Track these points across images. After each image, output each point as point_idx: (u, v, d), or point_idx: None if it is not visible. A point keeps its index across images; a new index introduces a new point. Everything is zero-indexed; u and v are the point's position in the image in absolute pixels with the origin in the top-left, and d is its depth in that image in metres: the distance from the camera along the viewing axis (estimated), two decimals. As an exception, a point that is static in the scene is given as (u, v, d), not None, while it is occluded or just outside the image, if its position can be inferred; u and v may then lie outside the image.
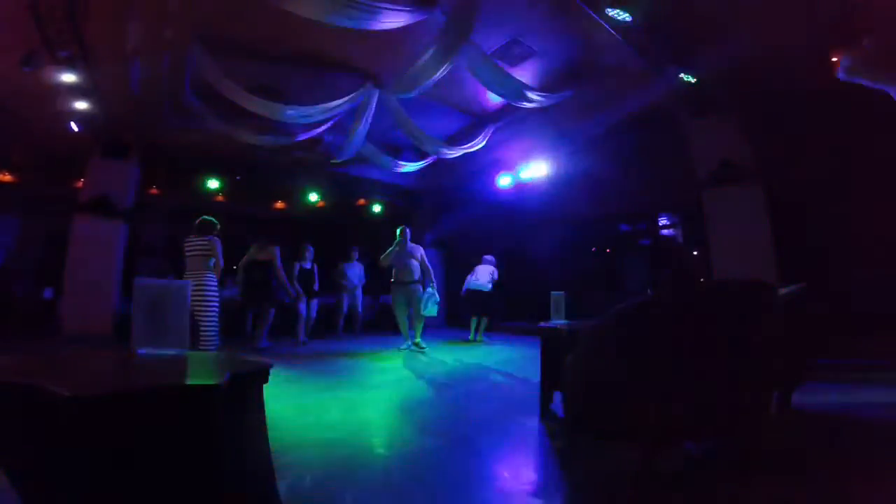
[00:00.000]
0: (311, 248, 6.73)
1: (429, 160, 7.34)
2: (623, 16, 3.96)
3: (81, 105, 5.28)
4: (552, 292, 3.40)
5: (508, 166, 8.18)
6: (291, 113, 5.32)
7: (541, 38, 4.76)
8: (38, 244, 7.77)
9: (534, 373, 3.20)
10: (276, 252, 5.89)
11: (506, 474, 2.03)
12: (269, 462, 1.41)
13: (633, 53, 4.51)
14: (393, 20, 3.84)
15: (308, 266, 6.62)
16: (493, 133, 6.68)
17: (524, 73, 5.19)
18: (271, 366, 1.40)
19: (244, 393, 1.29)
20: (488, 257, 7.27)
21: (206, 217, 4.62)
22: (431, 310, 5.79)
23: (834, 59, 3.65)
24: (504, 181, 8.36)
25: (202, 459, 1.06)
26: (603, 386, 1.87)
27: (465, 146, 6.62)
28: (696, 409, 1.75)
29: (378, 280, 7.97)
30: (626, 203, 7.70)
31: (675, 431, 1.77)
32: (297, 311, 6.39)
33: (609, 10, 3.92)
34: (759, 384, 1.92)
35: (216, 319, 4.41)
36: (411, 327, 5.91)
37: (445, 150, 6.65)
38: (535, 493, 1.78)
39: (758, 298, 1.83)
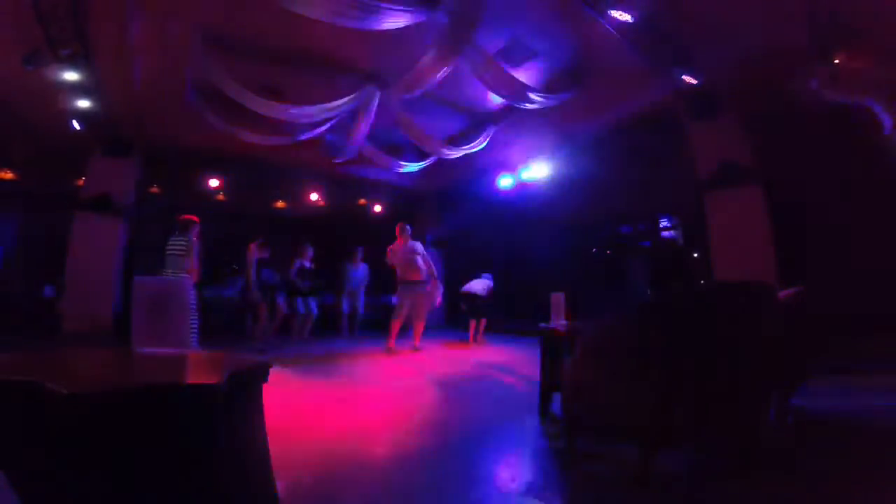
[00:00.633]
0: (311, 248, 6.74)
1: (430, 160, 7.33)
2: (625, 16, 3.96)
3: (83, 103, 5.29)
4: (552, 293, 3.39)
5: (509, 167, 8.16)
6: (293, 112, 5.33)
7: (542, 39, 4.76)
8: (38, 242, 7.76)
9: (534, 373, 3.20)
10: (250, 250, 5.85)
11: (506, 475, 2.03)
12: (268, 462, 1.40)
13: (634, 54, 4.51)
14: (395, 20, 3.83)
15: (308, 265, 6.64)
16: (494, 134, 6.68)
17: (526, 74, 5.19)
18: (271, 365, 1.40)
19: (244, 392, 1.29)
20: (486, 275, 7.28)
21: (186, 216, 4.52)
22: None
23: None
24: (505, 182, 8.34)
25: (201, 458, 1.05)
26: (602, 387, 1.87)
27: (467, 147, 6.61)
28: (695, 409, 1.75)
29: (381, 280, 7.98)
30: (626, 204, 7.67)
31: (675, 432, 1.77)
32: (296, 310, 6.40)
33: (611, 10, 3.92)
34: (759, 385, 1.92)
35: (191, 320, 4.38)
36: (411, 329, 5.93)
37: (446, 151, 6.65)
38: (535, 494, 1.77)
39: (758, 300, 1.83)
